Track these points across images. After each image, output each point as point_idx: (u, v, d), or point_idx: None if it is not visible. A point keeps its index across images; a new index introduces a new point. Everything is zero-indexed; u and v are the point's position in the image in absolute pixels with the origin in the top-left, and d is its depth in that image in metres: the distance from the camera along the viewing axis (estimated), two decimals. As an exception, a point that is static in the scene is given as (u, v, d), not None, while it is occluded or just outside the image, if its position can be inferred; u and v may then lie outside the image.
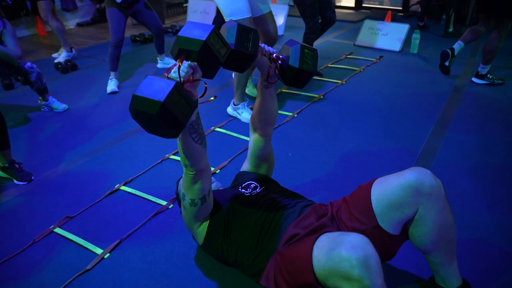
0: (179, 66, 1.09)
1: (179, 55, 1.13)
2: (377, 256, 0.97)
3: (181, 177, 1.76)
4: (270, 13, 2.75)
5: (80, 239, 1.67)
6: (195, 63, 1.14)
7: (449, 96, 3.16)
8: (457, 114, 2.85)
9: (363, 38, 4.61)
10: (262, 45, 1.41)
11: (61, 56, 4.06)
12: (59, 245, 1.65)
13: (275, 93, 1.55)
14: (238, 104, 2.76)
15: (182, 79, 1.10)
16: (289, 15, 5.20)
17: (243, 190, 1.53)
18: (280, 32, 5.08)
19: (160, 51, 3.76)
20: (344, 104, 3.03)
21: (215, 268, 1.51)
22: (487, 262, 1.53)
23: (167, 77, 1.09)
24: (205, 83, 1.26)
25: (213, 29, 1.11)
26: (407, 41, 4.40)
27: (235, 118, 2.80)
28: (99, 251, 1.60)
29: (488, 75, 3.39)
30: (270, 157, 1.68)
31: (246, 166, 1.70)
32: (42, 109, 2.97)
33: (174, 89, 1.00)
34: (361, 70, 3.77)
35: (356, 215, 1.28)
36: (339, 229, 1.29)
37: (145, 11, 3.38)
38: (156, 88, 1.00)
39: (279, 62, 1.42)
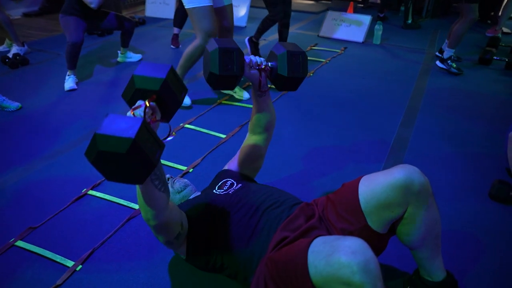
0: (146, 105, 1.02)
1: (135, 96, 1.05)
2: (376, 260, 0.94)
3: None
4: (231, 6, 2.70)
5: (46, 251, 1.53)
6: (154, 103, 1.06)
7: (414, 86, 3.24)
8: (423, 103, 2.93)
9: (327, 29, 4.63)
10: (249, 58, 1.39)
11: (11, 51, 3.74)
12: (22, 260, 1.50)
13: (270, 99, 1.52)
14: None
15: (148, 119, 1.03)
16: (251, 6, 5.12)
17: (218, 191, 1.46)
18: (243, 24, 5.01)
19: (125, 45, 3.56)
20: (314, 97, 3.02)
21: (198, 274, 1.44)
22: (464, 251, 1.57)
23: (133, 114, 1.02)
24: (169, 124, 1.18)
25: (170, 68, 1.07)
26: (369, 32, 4.47)
27: (204, 113, 2.70)
28: (69, 263, 1.48)
29: (448, 61, 3.51)
30: (260, 159, 1.63)
31: (230, 164, 1.63)
32: (-9, 109, 2.72)
33: (143, 126, 0.91)
34: (327, 61, 3.78)
35: (344, 216, 1.25)
36: (328, 231, 1.26)
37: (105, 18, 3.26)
38: (123, 126, 0.90)
39: (268, 70, 1.41)
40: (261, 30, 3.63)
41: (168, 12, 5.34)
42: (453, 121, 2.68)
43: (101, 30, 3.35)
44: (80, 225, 1.69)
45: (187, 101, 2.78)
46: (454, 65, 3.53)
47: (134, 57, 3.70)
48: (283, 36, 3.67)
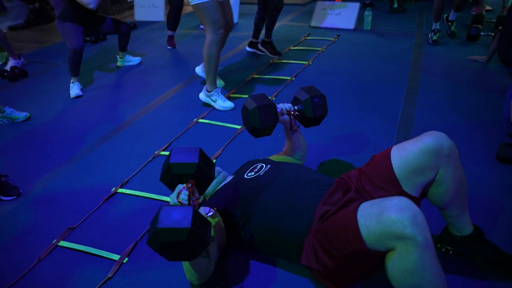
0: (191, 191, 1.24)
1: (174, 180, 1.27)
2: (422, 214, 1.02)
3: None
4: (228, 1, 2.74)
5: (91, 248, 1.58)
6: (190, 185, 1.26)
7: (410, 66, 3.35)
8: (421, 81, 3.04)
9: (317, 19, 4.71)
10: (279, 107, 1.67)
11: (8, 65, 3.73)
12: (68, 259, 1.55)
13: (301, 134, 1.82)
14: (212, 91, 2.69)
15: (192, 202, 1.24)
16: (241, 3, 5.18)
17: (249, 174, 1.52)
18: (234, 20, 5.05)
19: (123, 48, 3.58)
20: (315, 84, 3.06)
21: (239, 259, 1.50)
22: (480, 208, 1.68)
23: (180, 202, 1.23)
24: (214, 208, 1.43)
25: (200, 150, 1.28)
26: (359, 19, 4.57)
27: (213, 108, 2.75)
28: (115, 257, 1.53)
29: (431, 33, 3.85)
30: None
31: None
32: (1, 123, 2.73)
33: (194, 214, 1.08)
34: (323, 49, 3.87)
35: (380, 184, 1.33)
36: (366, 201, 1.34)
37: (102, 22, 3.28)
38: (178, 217, 1.07)
39: (297, 113, 1.70)
40: (270, 26, 3.58)
41: (157, 15, 5.37)
42: (452, 94, 2.79)
43: (100, 34, 3.35)
44: (116, 222, 1.74)
45: (230, 104, 2.72)
46: (435, 37, 3.83)
47: (133, 60, 3.72)
48: (273, 21, 3.60)
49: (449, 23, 4.00)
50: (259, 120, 1.55)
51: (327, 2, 4.80)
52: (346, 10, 4.62)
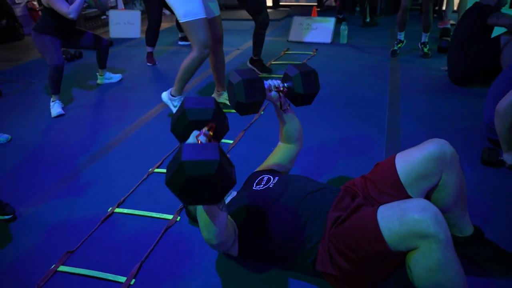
0: (210, 133, 1.17)
1: (188, 127, 1.19)
2: (441, 213, 1.07)
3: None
4: (219, 16, 2.80)
5: (94, 271, 1.52)
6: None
7: (389, 77, 3.49)
8: (402, 90, 3.17)
9: (295, 34, 4.82)
10: (267, 83, 1.57)
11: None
12: (70, 285, 1.49)
13: (293, 113, 1.68)
14: (175, 96, 2.78)
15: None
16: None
17: (257, 187, 1.53)
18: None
19: (102, 65, 3.52)
20: (301, 96, 3.16)
21: (249, 267, 1.49)
22: (473, 210, 1.75)
23: (199, 141, 1.15)
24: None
25: (215, 100, 1.25)
26: (335, 33, 4.72)
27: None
28: (122, 279, 1.48)
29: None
30: (293, 162, 1.76)
31: (260, 168, 1.71)
32: (-21, 145, 2.60)
33: (220, 148, 1.02)
34: (304, 63, 3.95)
35: (386, 190, 1.38)
36: (373, 206, 1.37)
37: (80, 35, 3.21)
38: (203, 152, 0.99)
39: (285, 91, 1.59)
40: (259, 44, 3.60)
41: (133, 32, 5.33)
42: (433, 101, 2.93)
43: (80, 47, 3.27)
44: (117, 243, 1.69)
45: None
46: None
47: (114, 77, 3.66)
48: (261, 39, 3.64)
49: (422, 45, 4.06)
50: (245, 94, 1.43)
51: (303, 17, 4.93)
52: (322, 25, 4.76)
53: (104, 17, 6.09)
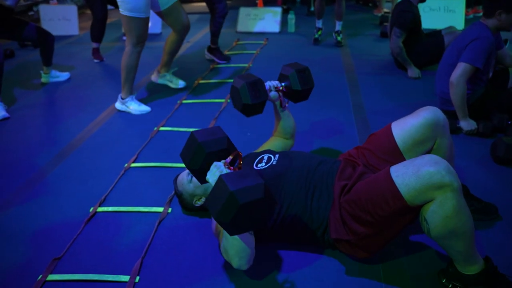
0: (240, 163, 1.27)
1: (207, 159, 1.23)
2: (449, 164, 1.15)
3: (177, 176, 1.65)
4: (179, 1, 2.72)
5: (90, 275, 1.40)
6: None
7: (342, 60, 3.63)
8: (357, 72, 3.33)
9: (243, 24, 4.82)
10: (267, 84, 1.69)
11: None
12: (65, 292, 1.36)
13: (289, 111, 1.82)
14: (126, 98, 2.73)
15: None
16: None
17: (259, 166, 1.51)
18: (158, 30, 4.90)
19: (48, 63, 3.23)
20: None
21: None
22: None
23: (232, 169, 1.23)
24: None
25: (220, 128, 1.33)
26: (283, 23, 4.81)
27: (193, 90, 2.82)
28: (124, 278, 1.38)
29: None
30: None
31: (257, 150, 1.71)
32: None
33: (256, 172, 1.08)
34: (258, 52, 3.97)
35: (384, 157, 1.45)
36: (374, 173, 1.43)
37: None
38: (244, 179, 1.03)
39: (284, 90, 1.73)
40: (216, 33, 3.56)
41: (71, 28, 4.97)
42: (387, 81, 3.11)
43: (22, 40, 3.00)
44: (108, 242, 1.57)
45: (145, 108, 2.74)
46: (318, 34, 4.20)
47: (61, 76, 3.37)
48: (218, 28, 3.60)
49: (336, 34, 4.11)
50: (250, 96, 1.55)
51: (250, 8, 4.94)
52: (269, 15, 4.81)
53: (32, 12, 5.58)
